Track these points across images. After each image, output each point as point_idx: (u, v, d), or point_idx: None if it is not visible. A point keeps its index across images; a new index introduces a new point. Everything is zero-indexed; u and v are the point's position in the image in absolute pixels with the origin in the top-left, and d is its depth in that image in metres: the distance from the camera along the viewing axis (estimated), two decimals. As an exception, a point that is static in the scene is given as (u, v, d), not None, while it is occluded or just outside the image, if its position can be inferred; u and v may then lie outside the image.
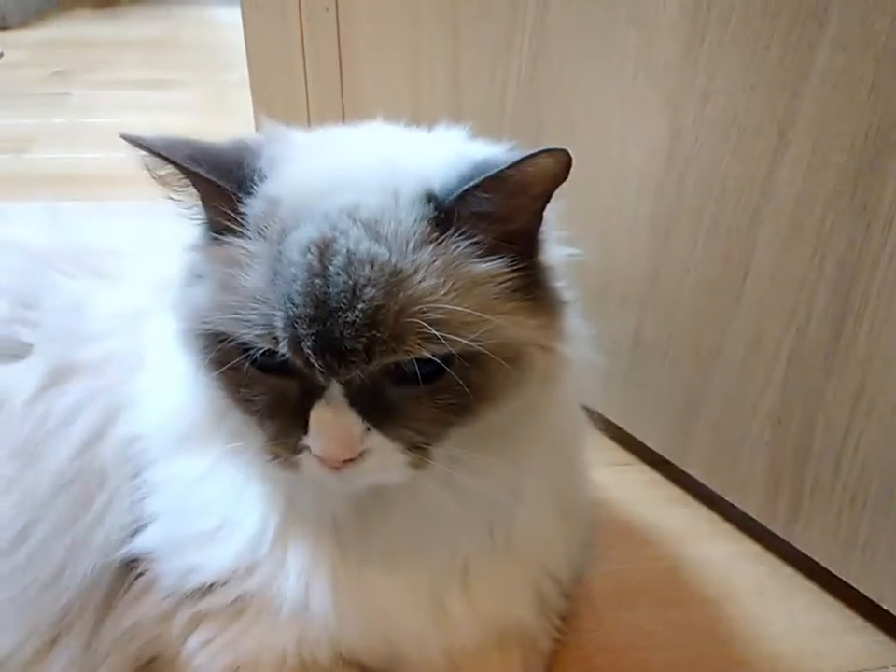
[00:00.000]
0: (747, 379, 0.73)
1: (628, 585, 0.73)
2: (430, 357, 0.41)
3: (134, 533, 0.54)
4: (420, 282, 0.42)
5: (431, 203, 0.43)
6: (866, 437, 0.66)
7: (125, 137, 0.44)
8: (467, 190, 0.42)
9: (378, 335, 0.40)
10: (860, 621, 0.71)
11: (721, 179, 0.68)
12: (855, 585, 0.70)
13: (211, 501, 0.53)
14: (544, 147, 0.42)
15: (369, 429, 0.43)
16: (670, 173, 0.72)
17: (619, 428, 0.86)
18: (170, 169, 0.45)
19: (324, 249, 0.41)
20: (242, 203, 0.45)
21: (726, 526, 0.80)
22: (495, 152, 0.47)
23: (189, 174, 0.45)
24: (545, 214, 0.47)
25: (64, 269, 0.63)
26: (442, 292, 0.42)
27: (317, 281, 0.41)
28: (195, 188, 0.46)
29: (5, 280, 0.62)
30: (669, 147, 0.71)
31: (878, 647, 0.69)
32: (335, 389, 0.42)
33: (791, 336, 0.68)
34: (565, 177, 0.43)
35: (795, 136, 0.62)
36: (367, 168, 0.46)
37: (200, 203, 0.47)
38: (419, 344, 0.41)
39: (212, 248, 0.46)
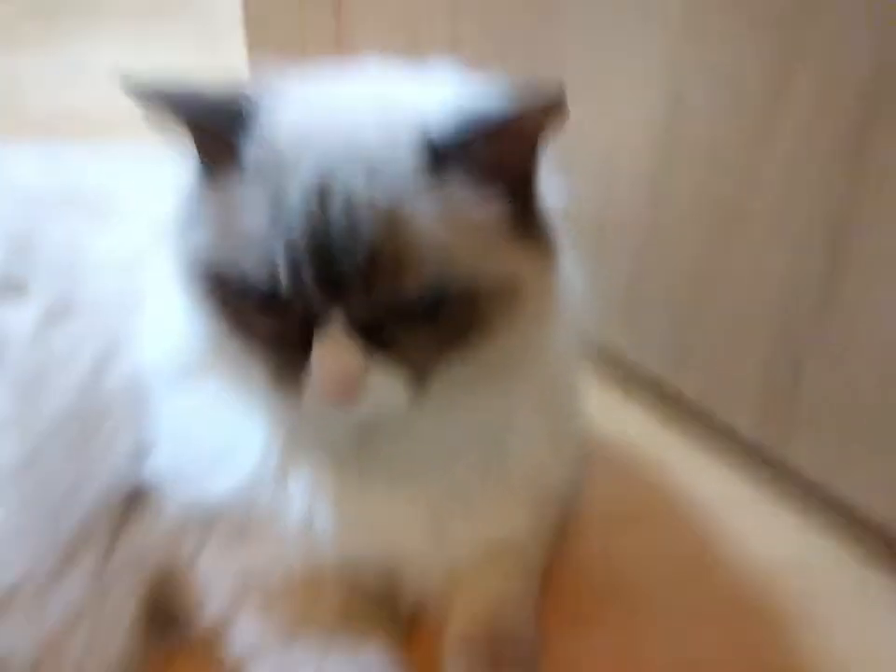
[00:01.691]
0: (743, 313, 0.75)
1: (620, 507, 0.76)
2: (429, 291, 0.43)
3: (141, 461, 0.56)
4: (417, 223, 0.43)
5: (429, 149, 0.44)
6: (856, 356, 0.67)
7: (125, 82, 0.45)
8: (465, 134, 0.44)
9: (376, 271, 0.42)
10: (841, 527, 0.74)
11: (720, 131, 0.69)
12: (843, 498, 0.72)
13: (213, 430, 0.55)
14: (540, 97, 0.43)
15: (369, 363, 0.44)
16: (672, 120, 0.72)
17: (614, 356, 0.88)
18: (165, 112, 0.45)
19: (323, 193, 0.43)
20: (239, 147, 0.45)
21: (718, 447, 0.82)
22: (491, 96, 0.46)
23: (185, 118, 0.46)
24: (542, 157, 0.48)
25: (62, 210, 0.64)
26: (439, 232, 0.43)
27: (317, 222, 0.42)
28: (192, 132, 0.47)
29: (5, 215, 0.63)
30: (670, 99, 0.71)
31: (856, 550, 0.72)
32: (335, 322, 0.44)
33: (787, 271, 0.69)
34: (560, 123, 0.45)
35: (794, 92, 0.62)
36: (364, 112, 0.46)
37: (197, 147, 0.48)
38: (417, 282, 0.43)
39: (210, 192, 0.47)
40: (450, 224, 0.44)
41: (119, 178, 0.67)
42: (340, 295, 0.43)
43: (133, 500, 0.58)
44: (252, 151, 0.45)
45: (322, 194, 0.43)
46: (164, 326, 0.55)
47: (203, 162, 0.48)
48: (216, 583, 0.58)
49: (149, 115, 0.46)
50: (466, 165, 0.45)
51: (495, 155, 0.45)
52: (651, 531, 0.74)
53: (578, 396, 0.65)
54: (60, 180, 0.67)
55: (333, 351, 0.44)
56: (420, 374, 0.46)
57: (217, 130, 0.46)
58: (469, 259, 0.44)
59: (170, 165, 0.52)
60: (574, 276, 0.55)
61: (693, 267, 0.77)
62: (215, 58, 1.47)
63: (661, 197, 0.77)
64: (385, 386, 0.45)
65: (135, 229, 0.61)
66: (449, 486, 0.55)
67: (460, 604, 0.62)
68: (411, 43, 0.91)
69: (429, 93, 0.48)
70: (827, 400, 0.71)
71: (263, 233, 0.43)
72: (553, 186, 0.52)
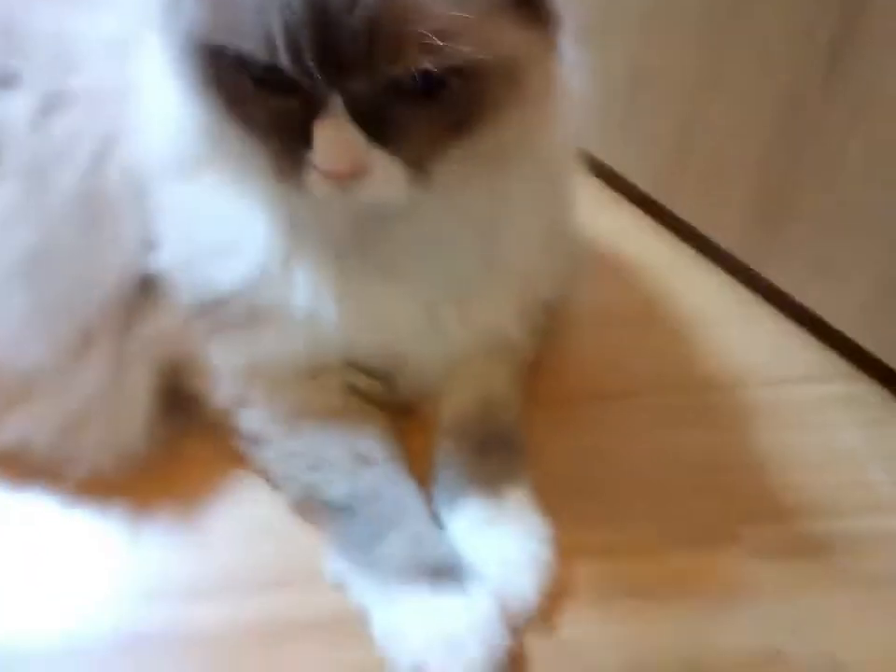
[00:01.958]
0: (741, 113, 0.74)
1: (607, 311, 0.79)
2: (430, 68, 0.41)
3: (148, 252, 0.57)
4: None
5: None
6: (844, 176, 0.69)
7: None
8: None
9: (377, 42, 0.40)
10: (812, 339, 0.78)
11: None
12: (813, 309, 0.76)
13: (216, 221, 0.56)
14: None
15: (371, 145, 0.44)
16: None
17: (609, 168, 0.88)
18: None
19: None
20: None
21: (704, 261, 0.85)
22: None
23: None
24: None
25: None
26: (439, 7, 0.41)
27: None
28: None
29: None
30: None
31: (825, 361, 0.77)
32: (337, 103, 0.43)
33: (791, 69, 0.68)
34: None
35: None
36: None
37: None
38: (419, 55, 0.41)
39: None
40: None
41: None
42: (340, 72, 0.41)
43: (145, 290, 0.59)
44: None
45: None
46: (161, 114, 0.54)
47: None
48: (225, 369, 0.60)
49: None
50: None
51: None
52: (631, 333, 0.78)
53: (574, 199, 0.66)
54: None
55: (335, 130, 0.43)
56: (420, 162, 0.46)
57: None
58: (470, 32, 0.42)
59: None
60: (576, 68, 0.54)
61: (691, 68, 0.76)
62: None
63: None
64: (386, 170, 0.45)
65: (122, 12, 0.59)
66: (445, 278, 0.57)
67: (452, 395, 0.66)
68: None
69: None
70: (808, 220, 0.73)
71: (259, 2, 0.41)
72: None
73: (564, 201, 0.65)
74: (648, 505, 0.65)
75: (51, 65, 0.59)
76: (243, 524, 0.63)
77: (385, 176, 0.45)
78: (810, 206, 0.73)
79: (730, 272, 0.84)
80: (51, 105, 0.58)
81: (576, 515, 0.63)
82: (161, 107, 0.54)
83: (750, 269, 0.81)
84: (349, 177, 0.45)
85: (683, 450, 0.69)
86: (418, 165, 0.46)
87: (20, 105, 0.58)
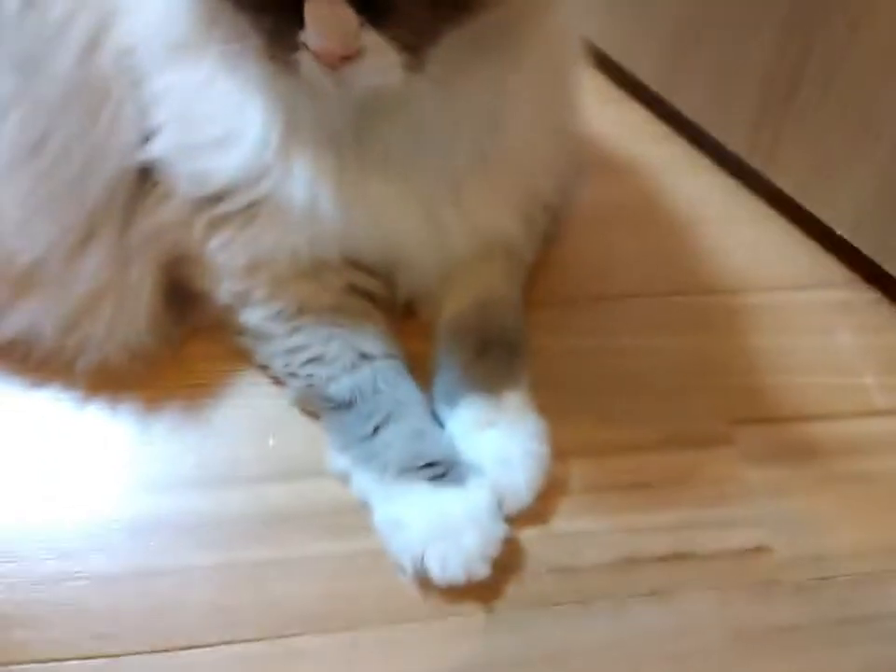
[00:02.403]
0: (749, 7, 0.71)
1: (608, 211, 0.78)
2: None
3: (146, 141, 0.56)
4: None
5: None
6: (850, 73, 0.67)
7: None
8: None
9: None
10: (813, 244, 0.78)
11: None
12: (814, 213, 0.76)
13: (213, 110, 0.54)
14: None
15: (364, 25, 0.42)
16: None
17: (612, 62, 0.85)
18: None
19: None
20: None
21: (707, 162, 0.84)
22: None
23: None
24: None
25: None
26: None
27: None
28: None
29: None
30: None
31: (825, 267, 0.77)
32: None
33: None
34: None
35: None
36: None
37: None
38: None
39: None
40: None
41: None
42: None
43: (145, 181, 0.58)
44: None
45: None
46: None
47: None
48: (226, 265, 0.60)
49: None
50: None
51: None
52: (633, 236, 0.78)
53: (578, 92, 0.64)
54: None
55: (327, 7, 0.41)
56: (415, 44, 0.44)
57: None
58: None
59: None
60: None
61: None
62: None
63: None
64: (380, 52, 0.43)
65: None
66: (444, 174, 0.56)
67: (452, 294, 0.66)
68: None
69: None
70: (812, 121, 0.72)
71: None
72: None
73: (567, 94, 0.63)
74: (644, 405, 0.66)
75: None
76: (247, 418, 0.64)
77: (379, 59, 0.44)
78: (815, 107, 0.71)
79: (734, 173, 0.83)
80: None
81: (571, 414, 0.64)
82: None
83: (755, 171, 0.79)
84: (341, 59, 0.43)
85: (680, 352, 0.70)
86: (413, 48, 0.44)
87: None
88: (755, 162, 0.79)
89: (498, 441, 0.59)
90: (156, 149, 0.56)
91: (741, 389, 0.68)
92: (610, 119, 0.84)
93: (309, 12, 0.41)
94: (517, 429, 0.60)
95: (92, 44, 0.55)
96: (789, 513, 0.61)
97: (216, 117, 0.54)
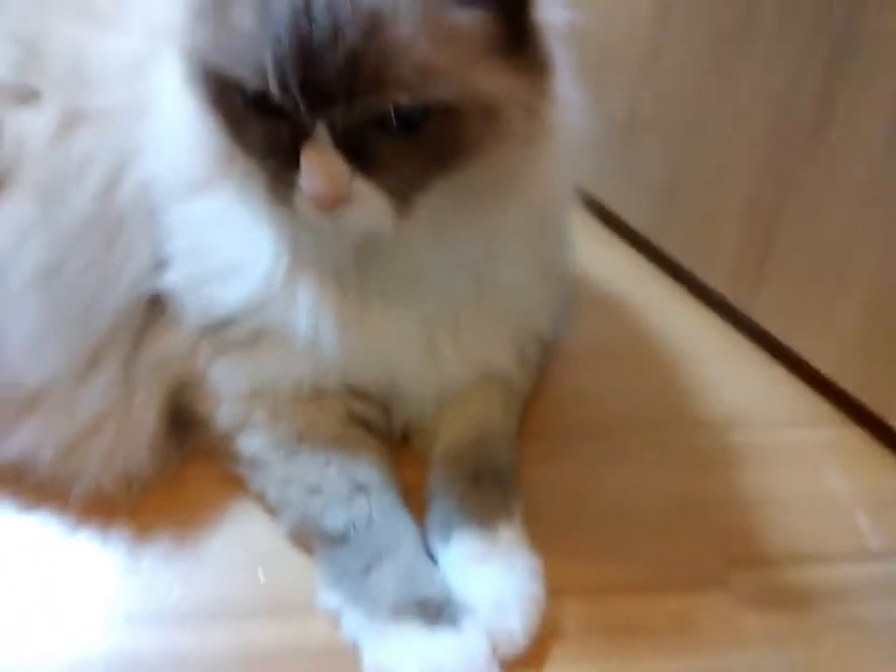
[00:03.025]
0: (730, 157, 0.77)
1: (600, 346, 0.81)
2: (407, 105, 0.43)
3: (158, 271, 0.59)
4: (399, 27, 0.43)
5: None
6: (828, 221, 0.71)
7: None
8: None
9: (358, 78, 0.42)
10: (799, 383, 0.80)
11: None
12: (799, 353, 0.78)
13: (225, 242, 0.57)
14: None
15: (354, 174, 0.46)
16: None
17: (602, 207, 0.90)
18: None
19: None
20: None
21: (692, 300, 0.87)
22: None
23: None
24: None
25: (68, 14, 0.62)
26: (421, 39, 0.43)
27: (302, 21, 0.42)
28: None
29: (9, 24, 0.62)
30: None
31: (812, 406, 0.78)
32: (322, 131, 0.44)
33: (778, 116, 0.71)
34: None
35: None
36: None
37: None
38: (397, 92, 0.43)
39: None
40: (431, 33, 0.43)
41: None
42: (323, 102, 0.43)
43: (154, 309, 0.60)
44: None
45: None
46: (173, 135, 0.56)
47: None
48: (228, 391, 0.61)
49: None
50: None
51: None
52: (623, 370, 0.80)
53: (569, 235, 0.68)
54: None
55: (319, 158, 0.45)
56: (404, 192, 0.47)
57: None
58: (451, 72, 0.44)
59: None
60: (572, 104, 0.55)
61: (684, 111, 0.79)
62: None
63: (662, 20, 0.76)
64: (369, 198, 0.47)
65: (139, 34, 0.61)
66: (441, 308, 0.59)
67: (447, 424, 0.67)
68: None
69: None
70: (792, 264, 0.75)
71: (252, 30, 0.43)
72: (555, 4, 0.51)
73: (558, 237, 0.67)
74: (636, 542, 0.66)
75: (70, 84, 0.60)
76: (238, 548, 0.63)
77: (368, 205, 0.47)
78: (793, 250, 0.75)
79: (719, 312, 0.86)
80: (69, 122, 0.59)
81: (564, 551, 0.63)
82: (174, 125, 0.56)
83: (739, 310, 0.83)
84: (333, 203, 0.46)
85: (672, 488, 0.70)
86: (401, 196, 0.47)
87: (39, 122, 0.59)
88: (738, 303, 0.82)
89: (492, 579, 0.58)
90: (167, 279, 0.59)
91: (733, 527, 0.68)
92: (599, 259, 0.88)
93: (304, 159, 0.46)
94: (511, 567, 0.59)
95: (113, 180, 0.59)
96: (787, 663, 0.60)
97: (225, 248, 0.57)
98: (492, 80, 0.46)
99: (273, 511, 0.64)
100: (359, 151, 0.45)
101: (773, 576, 0.65)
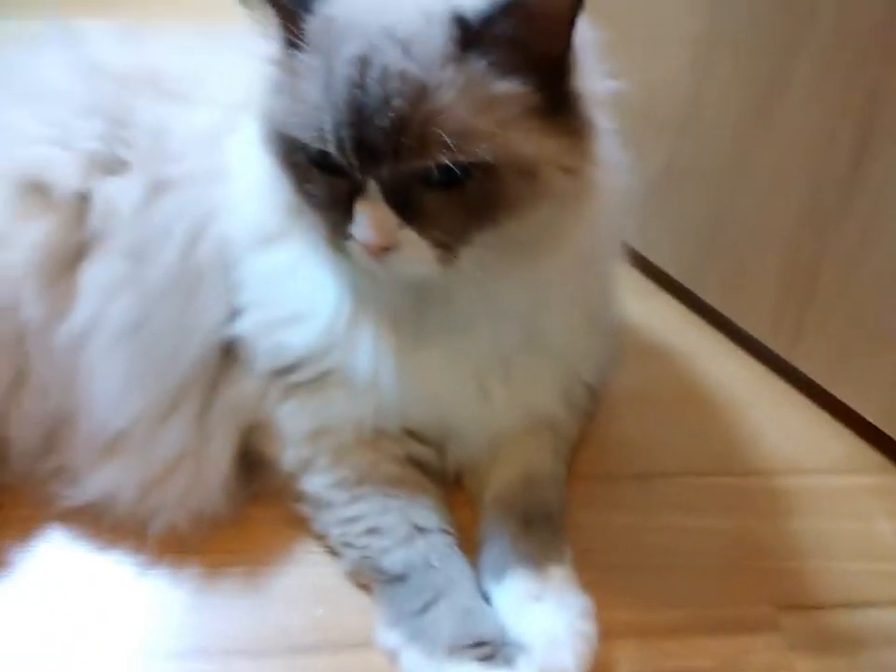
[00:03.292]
0: (768, 209, 0.79)
1: (645, 393, 0.83)
2: (449, 164, 0.48)
3: (231, 320, 0.63)
4: (442, 96, 0.47)
5: (459, 25, 0.48)
6: (868, 270, 0.73)
7: None
8: (490, 14, 0.47)
9: (404, 140, 0.47)
10: (843, 429, 0.81)
11: (764, 13, 0.72)
12: (842, 399, 0.80)
13: (292, 291, 0.62)
14: None
15: (402, 225, 0.50)
16: (715, 8, 0.75)
17: (643, 258, 0.93)
18: None
19: (364, 64, 0.48)
20: (305, 21, 0.50)
21: (734, 348, 0.89)
22: None
23: None
24: (574, 41, 0.50)
25: (148, 92, 0.69)
26: (462, 106, 0.48)
27: (356, 91, 0.47)
28: (273, 8, 0.52)
29: (98, 100, 0.69)
30: None
31: (857, 452, 0.80)
32: (373, 187, 0.49)
33: (815, 169, 0.73)
34: (578, 8, 0.48)
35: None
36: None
37: (279, 22, 0.52)
38: (439, 152, 0.47)
39: (285, 62, 0.53)
40: (474, 100, 0.48)
41: (195, 61, 0.72)
42: (374, 161, 0.48)
43: (227, 357, 0.65)
44: (315, 23, 0.50)
45: (363, 65, 0.47)
46: (247, 195, 0.62)
47: (282, 35, 0.53)
48: (294, 432, 0.65)
49: None
50: (493, 42, 0.48)
51: (518, 33, 0.48)
52: (668, 417, 0.82)
53: (615, 287, 0.71)
54: (142, 61, 0.72)
55: (371, 209, 0.50)
56: (447, 242, 0.51)
57: (289, 4, 0.51)
58: (490, 135, 0.48)
59: (239, 46, 0.58)
60: (616, 164, 0.58)
61: (723, 164, 0.82)
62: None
63: (700, 79, 0.80)
64: (415, 247, 0.51)
65: (215, 109, 0.67)
66: (491, 354, 0.62)
67: (498, 468, 0.69)
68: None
69: None
70: (833, 311, 0.77)
71: (316, 99, 0.49)
72: (596, 70, 0.55)
73: (605, 289, 0.70)
74: (686, 585, 0.67)
75: (155, 155, 0.66)
76: (301, 588, 0.66)
77: (414, 253, 0.52)
78: (833, 298, 0.77)
79: (760, 359, 0.88)
80: (155, 189, 0.65)
81: (615, 593, 0.65)
82: (247, 186, 0.62)
83: (780, 357, 0.84)
84: (382, 250, 0.51)
85: (720, 532, 0.72)
86: (444, 245, 0.52)
87: (128, 189, 0.65)
88: (780, 350, 0.84)
89: (545, 617, 0.60)
90: (240, 327, 0.63)
91: (783, 573, 0.69)
92: (643, 309, 0.91)
93: (357, 211, 0.51)
94: (563, 606, 0.61)
95: (194, 239, 0.64)
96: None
97: (293, 297, 0.62)
98: (529, 143, 0.50)
99: (334, 551, 0.66)
100: (406, 204, 0.50)
101: (824, 620, 0.66)
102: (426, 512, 0.65)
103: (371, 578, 0.64)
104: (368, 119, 0.47)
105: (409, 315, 0.60)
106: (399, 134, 0.47)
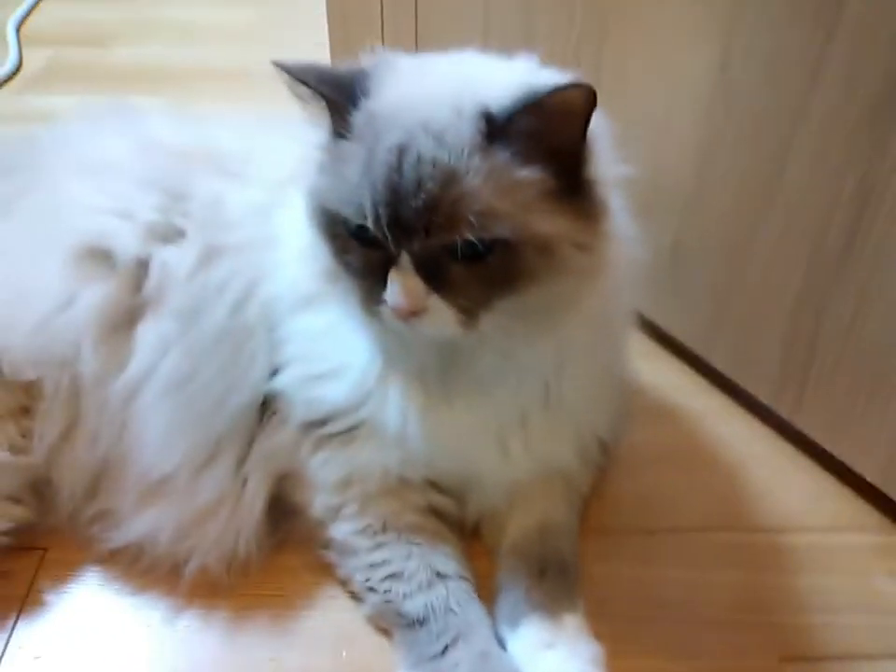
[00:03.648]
0: (770, 282, 0.84)
1: (655, 451, 0.87)
2: (473, 240, 0.53)
3: (273, 375, 0.69)
4: (470, 181, 0.53)
5: (485, 120, 0.53)
6: (865, 336, 0.77)
7: (276, 64, 0.57)
8: (513, 111, 0.53)
9: (434, 218, 0.53)
10: (845, 489, 0.84)
11: (763, 105, 0.77)
12: (843, 460, 0.83)
13: (329, 350, 0.67)
14: (573, 82, 0.52)
15: (429, 292, 0.56)
16: (717, 95, 0.81)
17: (653, 324, 0.98)
18: (304, 88, 0.57)
19: (401, 152, 0.53)
20: (351, 114, 0.57)
21: (740, 410, 0.93)
22: (547, 81, 0.55)
23: (317, 91, 0.57)
24: (589, 134, 0.55)
25: (204, 168, 0.76)
26: (486, 190, 0.53)
27: (394, 175, 0.53)
28: (323, 102, 0.58)
29: (156, 175, 0.76)
30: (718, 73, 0.80)
31: (858, 511, 0.83)
32: (405, 259, 0.55)
33: (811, 246, 0.78)
34: (591, 106, 0.53)
35: (827, 73, 0.71)
36: (445, 90, 0.57)
37: (326, 114, 0.59)
38: (465, 229, 0.53)
39: (331, 148, 0.59)
40: (497, 184, 0.53)
41: (245, 141, 0.79)
42: (406, 236, 0.54)
43: (264, 410, 0.70)
44: (359, 116, 0.57)
45: (400, 153, 0.53)
46: (292, 262, 0.68)
47: (330, 123, 0.59)
48: (324, 480, 0.69)
49: (292, 87, 0.58)
50: (515, 136, 0.53)
51: (537, 127, 0.53)
52: (676, 475, 0.86)
53: (627, 349, 0.76)
54: (199, 140, 0.79)
55: (402, 277, 0.55)
56: (470, 308, 0.57)
57: (337, 99, 0.57)
58: (511, 216, 0.54)
59: (288, 131, 0.66)
60: (628, 240, 0.64)
61: (727, 238, 0.86)
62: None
63: (703, 168, 0.85)
64: (441, 312, 0.56)
65: (263, 186, 0.73)
66: (511, 412, 0.66)
67: (514, 519, 0.73)
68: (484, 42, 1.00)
69: (501, 77, 0.57)
70: (833, 377, 0.81)
71: (358, 181, 0.55)
72: (610, 157, 0.60)
73: (618, 352, 0.75)
74: (694, 636, 0.70)
75: (210, 225, 0.73)
76: (325, 631, 0.69)
77: (440, 317, 0.57)
78: (833, 364, 0.81)
79: (764, 420, 0.92)
80: (208, 256, 0.71)
81: (624, 643, 0.68)
82: (293, 255, 0.68)
83: (784, 419, 0.88)
84: (411, 314, 0.56)
85: (726, 586, 0.75)
86: (467, 311, 0.57)
87: (183, 256, 0.72)
88: (783, 412, 0.88)
89: (557, 664, 0.64)
90: (280, 381, 0.69)
91: (786, 626, 0.72)
92: (652, 372, 0.95)
93: (390, 279, 0.56)
94: (575, 653, 0.64)
95: (242, 301, 0.70)
96: None
97: (330, 355, 0.68)
98: (547, 223, 0.55)
99: (357, 596, 0.70)
100: (434, 274, 0.55)
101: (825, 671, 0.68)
102: (446, 560, 0.69)
103: (392, 622, 0.67)
104: (403, 200, 0.53)
105: (436, 374, 0.65)
106: (430, 213, 0.53)
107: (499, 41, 0.99)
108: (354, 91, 0.57)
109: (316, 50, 1.20)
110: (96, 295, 0.71)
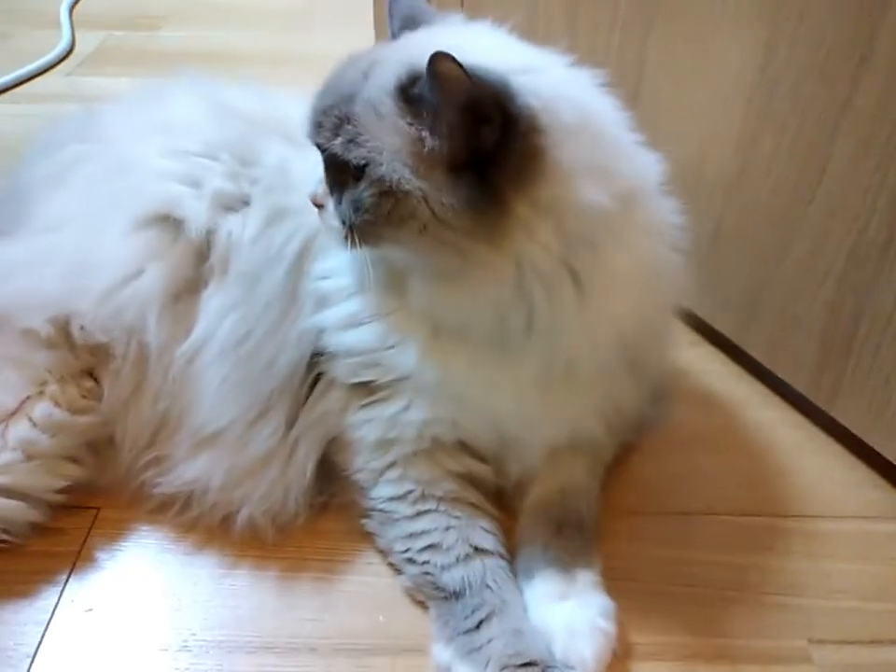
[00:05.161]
0: (809, 272, 0.84)
1: (687, 434, 0.88)
2: (339, 154, 0.59)
3: (319, 342, 0.71)
4: (360, 108, 0.58)
5: (400, 80, 0.57)
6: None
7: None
8: (412, 78, 0.56)
9: (324, 121, 0.60)
10: (878, 478, 0.85)
11: (807, 94, 0.78)
12: (878, 450, 0.83)
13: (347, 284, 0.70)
14: (437, 52, 0.53)
15: (327, 192, 0.63)
16: (761, 84, 0.81)
17: (692, 313, 0.97)
18: None
19: (338, 75, 0.62)
20: None
21: (776, 399, 0.94)
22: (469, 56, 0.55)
23: None
24: (516, 143, 0.56)
25: (271, 135, 0.79)
26: (369, 121, 0.58)
27: (324, 89, 0.62)
28: None
29: (227, 139, 0.78)
30: (763, 61, 0.80)
31: (890, 499, 0.83)
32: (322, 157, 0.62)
33: (852, 236, 0.78)
34: (460, 82, 0.53)
35: (874, 61, 0.71)
36: (415, 49, 0.59)
37: None
38: (336, 141, 0.59)
39: None
40: (382, 124, 0.57)
41: None
42: (315, 132, 0.61)
43: (311, 370, 0.72)
44: None
45: (337, 75, 0.62)
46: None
47: None
48: (365, 439, 0.71)
49: None
50: (416, 100, 0.56)
51: (428, 95, 0.55)
52: (710, 459, 0.86)
53: (667, 338, 0.77)
54: (269, 112, 0.82)
55: (320, 173, 0.64)
56: (350, 225, 0.61)
57: None
58: (376, 153, 0.58)
59: None
60: (669, 229, 0.65)
61: (767, 228, 0.87)
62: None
63: (746, 157, 0.86)
64: (332, 214, 0.63)
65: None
66: (536, 381, 0.67)
67: (539, 480, 0.75)
68: (530, 24, 1.01)
69: (473, 50, 0.57)
70: (870, 368, 0.81)
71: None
72: (591, 178, 0.59)
73: (656, 340, 0.74)
74: (718, 615, 0.71)
75: (276, 190, 0.75)
76: (364, 596, 0.72)
77: (331, 218, 0.63)
78: (870, 355, 0.81)
79: (800, 409, 0.92)
80: (272, 219, 0.74)
81: (652, 619, 0.70)
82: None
83: (819, 408, 0.89)
84: (316, 205, 0.64)
85: (756, 568, 0.76)
86: (348, 227, 0.61)
87: (248, 222, 0.74)
88: (819, 401, 0.88)
89: (569, 613, 0.66)
90: (325, 343, 0.71)
91: (816, 610, 0.72)
92: (689, 359, 0.96)
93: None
94: (586, 605, 0.66)
95: (300, 260, 0.73)
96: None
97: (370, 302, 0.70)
98: (406, 178, 0.57)
99: (397, 567, 0.72)
100: (334, 179, 0.62)
101: (856, 655, 0.69)
102: (484, 534, 0.70)
103: (429, 595, 0.69)
104: (317, 105, 0.62)
105: (484, 340, 0.65)
106: (322, 115, 0.60)
107: (545, 25, 1.02)
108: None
109: (363, 32, 1.23)
110: (162, 269, 0.73)
